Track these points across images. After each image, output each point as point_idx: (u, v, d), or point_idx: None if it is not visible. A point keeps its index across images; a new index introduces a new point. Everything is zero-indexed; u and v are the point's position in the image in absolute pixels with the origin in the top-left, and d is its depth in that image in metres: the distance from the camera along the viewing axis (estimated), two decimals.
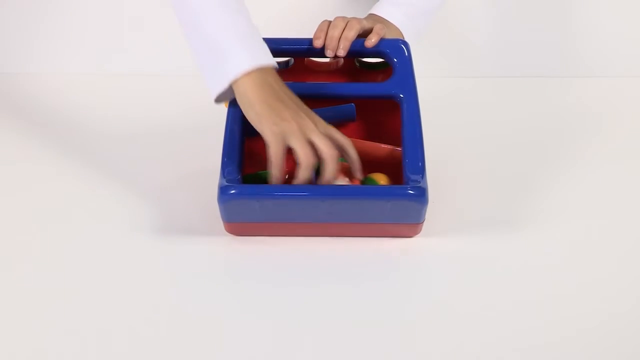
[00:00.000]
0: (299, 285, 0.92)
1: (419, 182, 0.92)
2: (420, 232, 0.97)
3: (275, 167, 0.91)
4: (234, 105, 0.96)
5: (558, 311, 0.89)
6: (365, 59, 1.09)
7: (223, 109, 0.99)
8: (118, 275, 0.93)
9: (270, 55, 0.95)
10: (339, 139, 0.92)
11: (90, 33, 1.29)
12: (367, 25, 1.02)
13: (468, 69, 1.31)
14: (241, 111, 0.95)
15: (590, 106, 1.24)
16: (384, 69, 1.08)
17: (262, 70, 0.92)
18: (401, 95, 0.99)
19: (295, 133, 0.89)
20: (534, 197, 1.05)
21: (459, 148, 1.13)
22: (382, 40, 1.02)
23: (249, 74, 0.91)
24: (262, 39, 0.95)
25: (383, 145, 1.00)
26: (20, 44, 1.29)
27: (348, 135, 0.95)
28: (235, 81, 0.92)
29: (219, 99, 0.95)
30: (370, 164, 0.97)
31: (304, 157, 0.89)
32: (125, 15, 1.29)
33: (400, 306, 0.90)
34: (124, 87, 1.25)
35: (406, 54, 1.02)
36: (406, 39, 1.05)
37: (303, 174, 0.90)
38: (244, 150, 0.96)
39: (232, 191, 0.90)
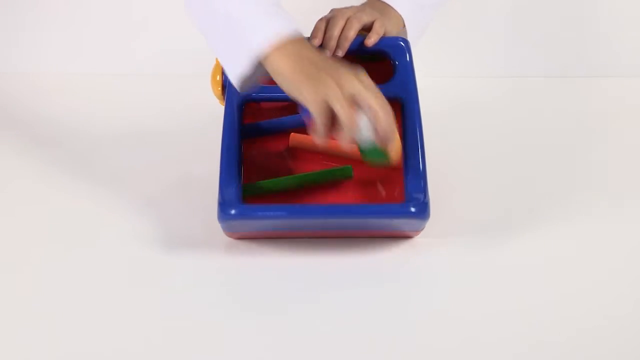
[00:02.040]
0: (299, 289, 0.92)
1: (421, 199, 0.91)
2: (421, 233, 0.97)
3: (320, 138, 0.87)
4: (229, 108, 0.96)
5: (558, 314, 0.89)
6: None
7: (223, 108, 0.99)
8: (116, 281, 0.93)
9: (296, 27, 0.89)
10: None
11: (89, 33, 1.29)
12: (366, 20, 1.01)
13: (473, 69, 1.30)
14: (237, 115, 0.96)
15: (594, 108, 1.24)
16: (382, 61, 1.07)
17: (291, 42, 0.87)
18: (402, 98, 0.98)
19: (335, 93, 0.84)
20: (536, 199, 1.05)
21: (462, 149, 1.13)
22: (382, 39, 1.00)
23: (278, 47, 0.87)
24: (286, 12, 0.90)
25: None
26: (19, 44, 1.29)
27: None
28: (266, 57, 0.87)
29: (244, 84, 0.91)
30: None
31: (345, 119, 0.84)
32: (124, 16, 1.29)
33: (399, 307, 0.90)
34: (123, 87, 1.25)
35: (407, 53, 1.00)
36: (408, 31, 1.03)
37: (346, 135, 0.86)
38: (242, 157, 0.95)
39: (232, 211, 0.90)
